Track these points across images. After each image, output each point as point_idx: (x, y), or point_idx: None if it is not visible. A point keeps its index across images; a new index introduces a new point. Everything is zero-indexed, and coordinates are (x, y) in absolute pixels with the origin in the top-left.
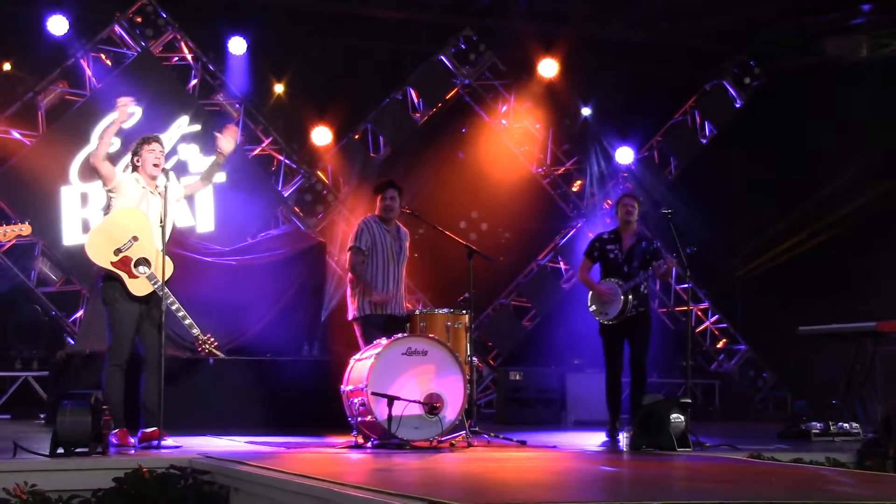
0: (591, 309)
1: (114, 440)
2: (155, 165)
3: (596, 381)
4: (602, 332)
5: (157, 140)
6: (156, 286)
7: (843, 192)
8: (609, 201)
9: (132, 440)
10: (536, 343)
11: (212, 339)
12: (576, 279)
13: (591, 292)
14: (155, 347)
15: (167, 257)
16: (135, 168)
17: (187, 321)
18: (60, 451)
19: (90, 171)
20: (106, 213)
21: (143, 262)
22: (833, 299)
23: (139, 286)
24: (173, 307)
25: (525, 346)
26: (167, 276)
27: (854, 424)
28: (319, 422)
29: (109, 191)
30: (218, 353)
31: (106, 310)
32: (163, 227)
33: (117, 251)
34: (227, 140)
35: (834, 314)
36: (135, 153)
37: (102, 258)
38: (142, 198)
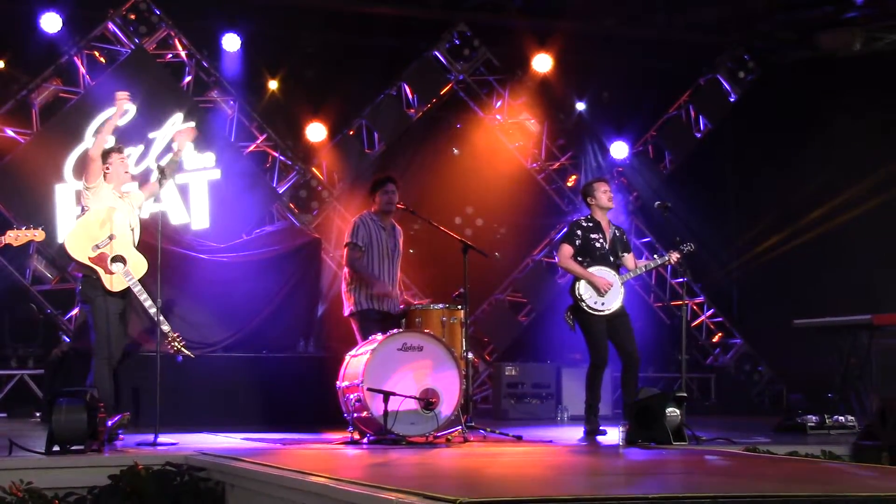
0: (582, 297)
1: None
2: (126, 173)
3: None
4: (588, 322)
5: (123, 149)
6: (130, 282)
7: (837, 184)
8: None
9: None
10: (532, 338)
11: (179, 337)
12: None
13: (580, 281)
14: (121, 346)
15: (141, 257)
16: (103, 176)
17: (159, 318)
18: (56, 448)
19: (84, 168)
20: (81, 216)
21: (119, 259)
22: (828, 292)
23: (115, 282)
24: (146, 304)
25: (520, 342)
26: (140, 274)
27: (849, 417)
28: (315, 418)
29: (88, 188)
30: (185, 351)
31: (87, 308)
32: (133, 231)
33: (95, 247)
34: (184, 135)
35: (829, 307)
36: (104, 162)
37: (81, 253)
38: (113, 203)
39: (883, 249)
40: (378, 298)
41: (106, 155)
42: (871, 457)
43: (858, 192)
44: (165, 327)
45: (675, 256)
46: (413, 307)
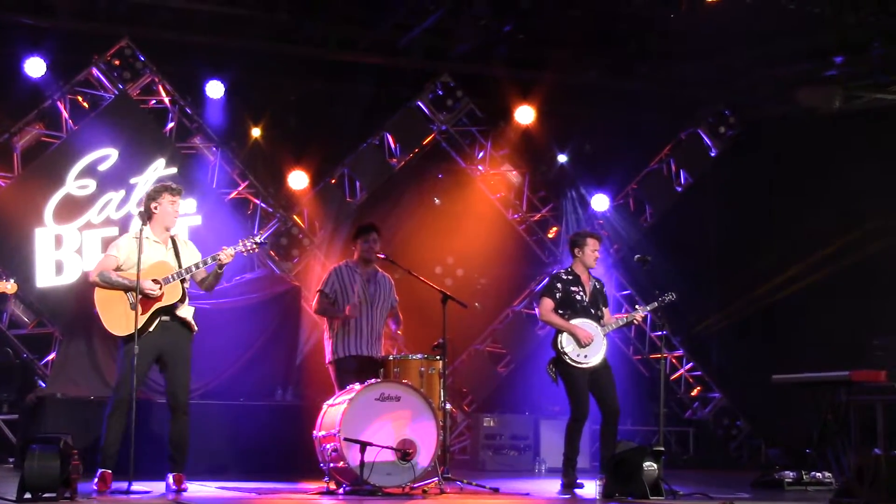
0: (564, 350)
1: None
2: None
3: None
4: (570, 375)
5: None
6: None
7: (817, 240)
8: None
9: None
10: (511, 389)
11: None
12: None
13: (562, 334)
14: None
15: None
16: (150, 217)
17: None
18: (28, 496)
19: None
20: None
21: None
22: (808, 347)
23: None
24: None
25: (499, 393)
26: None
27: (827, 474)
28: (292, 467)
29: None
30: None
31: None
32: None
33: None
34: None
35: (808, 363)
36: (154, 200)
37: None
38: (137, 251)
39: (863, 305)
40: (357, 343)
41: (158, 194)
42: None
43: (838, 246)
44: None
45: (643, 312)
46: (391, 357)
